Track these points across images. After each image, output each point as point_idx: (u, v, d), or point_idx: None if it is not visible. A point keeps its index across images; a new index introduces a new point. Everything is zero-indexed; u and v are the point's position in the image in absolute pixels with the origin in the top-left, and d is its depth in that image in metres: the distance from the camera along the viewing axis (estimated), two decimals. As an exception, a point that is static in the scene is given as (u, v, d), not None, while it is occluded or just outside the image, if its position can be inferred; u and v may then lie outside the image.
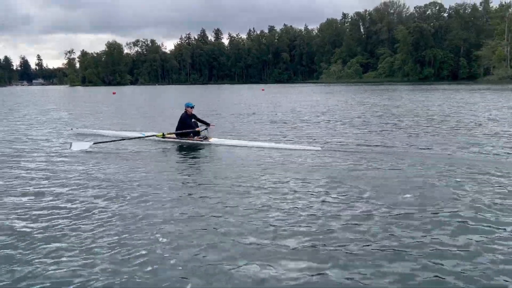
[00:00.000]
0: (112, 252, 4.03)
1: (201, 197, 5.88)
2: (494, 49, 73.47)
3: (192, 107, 11.05)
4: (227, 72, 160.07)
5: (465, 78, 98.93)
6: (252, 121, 16.65)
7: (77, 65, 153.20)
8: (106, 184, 6.61)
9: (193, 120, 11.00)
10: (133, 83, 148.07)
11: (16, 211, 5.36)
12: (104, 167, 7.95)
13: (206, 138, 10.72)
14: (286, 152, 9.40)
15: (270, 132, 13.24)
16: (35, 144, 11.04)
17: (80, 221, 4.91)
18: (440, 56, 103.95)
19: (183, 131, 10.74)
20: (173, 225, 4.75)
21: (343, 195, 5.85)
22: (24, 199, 5.89)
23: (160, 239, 4.34)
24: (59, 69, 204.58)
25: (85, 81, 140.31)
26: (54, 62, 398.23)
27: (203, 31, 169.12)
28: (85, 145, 9.85)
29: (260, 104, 28.26)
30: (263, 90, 56.87)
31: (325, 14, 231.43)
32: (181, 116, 10.93)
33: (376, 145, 10.16)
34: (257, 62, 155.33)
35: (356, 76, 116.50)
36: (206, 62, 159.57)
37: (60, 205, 5.54)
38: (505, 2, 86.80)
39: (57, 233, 4.56)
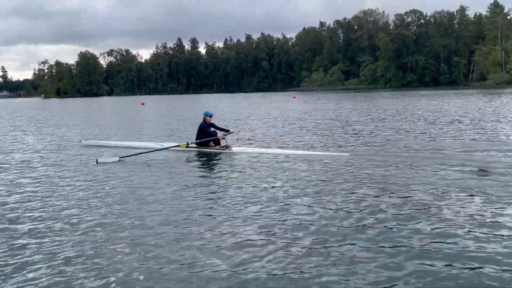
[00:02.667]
0: (145, 264, 3.98)
1: (226, 207, 5.78)
2: (487, 55, 75.13)
3: (210, 116, 11.12)
4: (206, 81, 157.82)
5: (446, 84, 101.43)
6: (276, 129, 16.36)
7: (45, 77, 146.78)
8: (133, 194, 6.58)
9: (212, 128, 11.01)
10: (109, 93, 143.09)
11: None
12: (131, 178, 7.81)
13: (227, 146, 10.67)
14: (312, 159, 9.24)
15: (294, 139, 13.01)
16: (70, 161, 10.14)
17: (112, 234, 4.81)
18: (421, 63, 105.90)
19: (205, 139, 10.77)
20: (203, 234, 4.73)
21: (377, 203, 5.73)
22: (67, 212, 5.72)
23: (185, 251, 4.25)
24: (26, 81, 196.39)
25: (60, 93, 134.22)
26: (17, 73, 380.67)
27: (179, 40, 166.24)
28: (111, 159, 9.68)
29: (286, 111, 26.78)
30: (294, 97, 54.50)
31: (291, 23, 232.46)
32: (200, 126, 10.94)
33: (404, 149, 10.21)
34: (236, 71, 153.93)
35: (339, 84, 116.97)
36: (184, 71, 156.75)
37: (93, 217, 5.45)
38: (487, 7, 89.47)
39: (92, 244, 4.51)
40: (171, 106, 44.81)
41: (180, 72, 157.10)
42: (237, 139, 11.71)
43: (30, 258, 4.16)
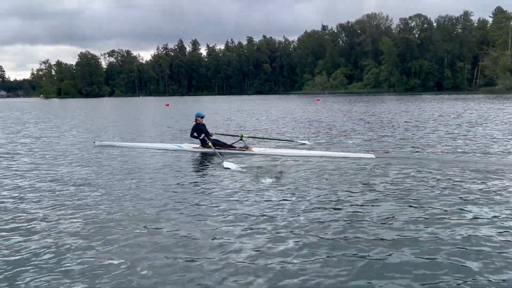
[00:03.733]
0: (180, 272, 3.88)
1: (247, 207, 5.76)
2: (497, 60, 75.04)
3: (202, 117, 11.27)
4: (207, 83, 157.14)
5: (449, 89, 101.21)
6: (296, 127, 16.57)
7: (44, 77, 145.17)
8: (151, 194, 6.58)
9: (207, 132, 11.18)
10: (110, 94, 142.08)
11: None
12: (147, 178, 7.81)
13: (246, 147, 10.66)
14: (337, 161, 9.06)
15: (317, 139, 12.96)
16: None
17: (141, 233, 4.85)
18: (425, 67, 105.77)
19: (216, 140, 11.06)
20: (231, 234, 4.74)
21: (406, 206, 5.65)
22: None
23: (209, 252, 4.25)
24: (24, 81, 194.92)
25: (61, 93, 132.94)
26: (13, 74, 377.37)
27: (180, 42, 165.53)
28: (234, 166, 8.74)
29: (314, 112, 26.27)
30: (318, 100, 53.78)
31: (289, 27, 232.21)
32: (193, 127, 11.16)
33: (432, 152, 10.05)
34: (238, 73, 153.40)
35: (342, 87, 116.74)
36: (185, 72, 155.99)
37: (125, 220, 5.35)
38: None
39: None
40: (192, 108, 43.28)
41: (181, 73, 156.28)
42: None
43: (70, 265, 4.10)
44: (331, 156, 9.66)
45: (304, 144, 11.96)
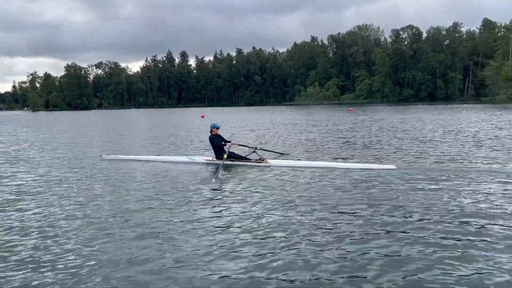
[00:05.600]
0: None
1: (265, 222, 5.55)
2: (498, 70, 75.94)
3: (217, 128, 11.09)
4: (197, 94, 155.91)
5: (442, 99, 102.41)
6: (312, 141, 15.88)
7: (29, 89, 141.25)
8: (163, 208, 6.41)
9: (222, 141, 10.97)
10: (99, 106, 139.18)
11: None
12: (157, 191, 7.63)
13: (262, 159, 10.46)
14: (355, 172, 8.77)
15: (333, 151, 12.59)
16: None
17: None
18: (419, 78, 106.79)
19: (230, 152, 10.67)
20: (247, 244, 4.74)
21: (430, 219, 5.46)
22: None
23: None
24: (6, 93, 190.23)
25: (49, 106, 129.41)
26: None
27: (169, 53, 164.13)
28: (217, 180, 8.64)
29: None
30: (351, 110, 51.84)
31: (270, 40, 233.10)
32: (209, 139, 10.96)
33: (452, 162, 9.81)
34: (228, 85, 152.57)
35: (334, 98, 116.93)
36: (175, 84, 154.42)
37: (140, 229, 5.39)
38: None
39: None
40: (231, 119, 40.96)
41: (170, 85, 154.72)
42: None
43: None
44: (349, 168, 9.40)
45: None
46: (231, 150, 10.80)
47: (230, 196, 7.05)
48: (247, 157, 10.76)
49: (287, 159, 10.97)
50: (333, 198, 6.68)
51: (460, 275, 3.84)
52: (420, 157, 10.73)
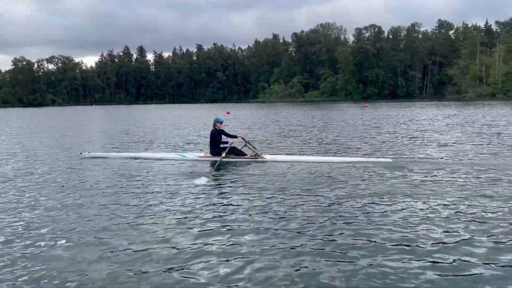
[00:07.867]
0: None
1: (262, 217, 5.53)
2: (465, 69, 79.56)
3: (221, 123, 10.83)
4: (157, 91, 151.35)
5: (403, 97, 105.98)
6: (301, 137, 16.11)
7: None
8: (157, 204, 6.30)
9: (223, 137, 10.73)
10: (53, 103, 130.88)
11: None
12: (150, 187, 7.56)
13: (258, 155, 10.32)
14: (352, 166, 8.91)
15: (330, 146, 12.93)
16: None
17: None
18: (382, 76, 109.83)
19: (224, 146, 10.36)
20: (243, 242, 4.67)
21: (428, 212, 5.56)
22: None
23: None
24: None
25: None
26: None
27: (127, 48, 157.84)
28: (203, 180, 8.05)
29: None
30: (366, 106, 50.54)
31: (224, 37, 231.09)
32: (211, 133, 10.66)
33: (451, 156, 10.09)
34: (189, 81, 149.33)
35: (299, 96, 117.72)
36: (133, 80, 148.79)
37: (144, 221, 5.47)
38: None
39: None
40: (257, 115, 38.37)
41: (129, 81, 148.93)
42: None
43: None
44: (346, 161, 9.51)
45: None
46: (233, 145, 10.60)
47: (227, 192, 6.99)
48: (242, 150, 10.61)
49: (283, 154, 10.92)
50: (325, 191, 6.82)
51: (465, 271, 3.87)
52: (419, 150, 11.33)
